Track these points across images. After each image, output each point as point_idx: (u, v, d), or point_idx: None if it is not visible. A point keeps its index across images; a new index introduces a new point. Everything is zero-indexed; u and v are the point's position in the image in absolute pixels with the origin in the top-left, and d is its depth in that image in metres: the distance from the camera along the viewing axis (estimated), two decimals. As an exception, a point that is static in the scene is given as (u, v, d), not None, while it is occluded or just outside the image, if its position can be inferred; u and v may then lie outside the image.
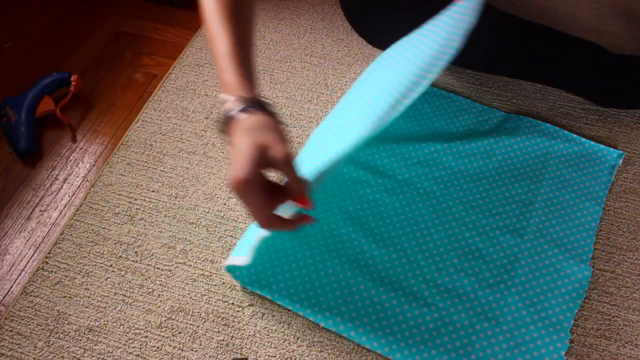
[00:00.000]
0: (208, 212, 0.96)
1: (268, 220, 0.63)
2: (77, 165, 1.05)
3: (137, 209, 0.97)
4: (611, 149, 1.02)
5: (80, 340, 0.83)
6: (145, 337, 0.83)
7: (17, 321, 0.85)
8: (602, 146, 1.02)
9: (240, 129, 0.59)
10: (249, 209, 0.61)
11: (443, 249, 0.89)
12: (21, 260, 0.93)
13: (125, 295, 0.87)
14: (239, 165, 0.57)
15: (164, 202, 0.98)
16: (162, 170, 1.02)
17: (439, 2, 0.92)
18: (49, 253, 0.92)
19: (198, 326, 0.84)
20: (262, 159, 0.59)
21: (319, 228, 0.90)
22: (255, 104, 0.60)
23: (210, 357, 0.81)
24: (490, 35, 1.06)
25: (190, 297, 0.87)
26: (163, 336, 0.83)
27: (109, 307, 0.86)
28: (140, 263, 0.90)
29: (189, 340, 0.83)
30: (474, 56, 1.11)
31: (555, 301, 0.84)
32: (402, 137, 1.02)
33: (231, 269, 0.86)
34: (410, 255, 0.88)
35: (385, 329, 0.81)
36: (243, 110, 0.60)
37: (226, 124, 0.61)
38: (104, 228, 0.94)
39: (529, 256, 0.88)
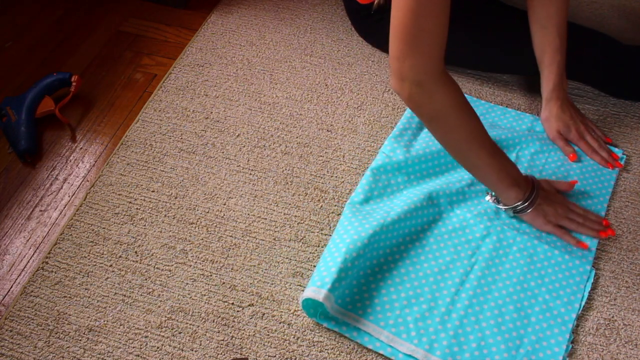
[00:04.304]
0: (208, 212, 0.96)
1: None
2: (77, 165, 1.05)
3: (137, 209, 0.97)
4: (616, 149, 1.03)
5: (80, 340, 0.83)
6: (145, 337, 0.83)
7: (17, 321, 0.85)
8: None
9: (540, 200, 0.89)
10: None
11: (446, 251, 0.89)
12: (21, 260, 0.93)
13: (125, 295, 0.87)
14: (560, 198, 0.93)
15: (164, 202, 0.98)
16: (162, 170, 1.02)
17: None
18: (49, 253, 0.92)
19: (198, 326, 0.84)
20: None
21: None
22: (536, 183, 0.90)
23: (210, 357, 0.81)
24: (493, 29, 1.06)
25: (190, 297, 0.87)
26: (163, 336, 0.83)
27: (109, 307, 0.86)
28: (140, 263, 0.90)
29: (189, 340, 0.83)
30: (478, 55, 1.10)
31: (558, 302, 0.83)
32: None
33: (307, 306, 0.83)
34: (413, 257, 0.88)
35: (391, 328, 0.81)
36: (535, 195, 0.89)
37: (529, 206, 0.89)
38: (104, 228, 0.94)
39: (534, 254, 0.88)
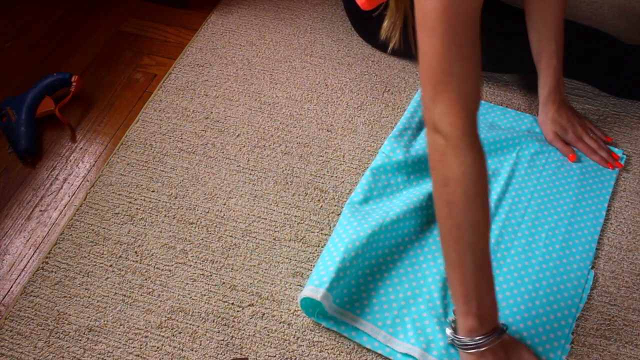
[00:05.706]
0: (208, 212, 0.96)
1: None
2: (77, 165, 1.05)
3: (137, 209, 0.97)
4: (616, 149, 1.03)
5: (80, 340, 0.83)
6: (145, 337, 0.83)
7: (17, 321, 0.85)
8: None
9: (488, 353, 0.75)
10: None
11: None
12: (21, 260, 0.93)
13: (125, 295, 0.87)
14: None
15: (164, 202, 0.98)
16: (162, 170, 1.02)
17: None
18: (49, 253, 0.92)
19: (198, 326, 0.84)
20: None
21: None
22: (499, 334, 0.75)
23: (210, 357, 0.81)
24: (492, 28, 1.06)
25: (190, 297, 0.87)
26: (163, 336, 0.83)
27: (109, 307, 0.86)
28: (140, 263, 0.90)
29: (189, 340, 0.83)
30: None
31: (557, 305, 0.83)
32: None
33: (306, 305, 0.83)
34: (411, 257, 0.88)
35: (388, 328, 0.81)
36: (486, 343, 0.74)
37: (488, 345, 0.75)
38: (104, 228, 0.95)
39: (532, 256, 0.88)
